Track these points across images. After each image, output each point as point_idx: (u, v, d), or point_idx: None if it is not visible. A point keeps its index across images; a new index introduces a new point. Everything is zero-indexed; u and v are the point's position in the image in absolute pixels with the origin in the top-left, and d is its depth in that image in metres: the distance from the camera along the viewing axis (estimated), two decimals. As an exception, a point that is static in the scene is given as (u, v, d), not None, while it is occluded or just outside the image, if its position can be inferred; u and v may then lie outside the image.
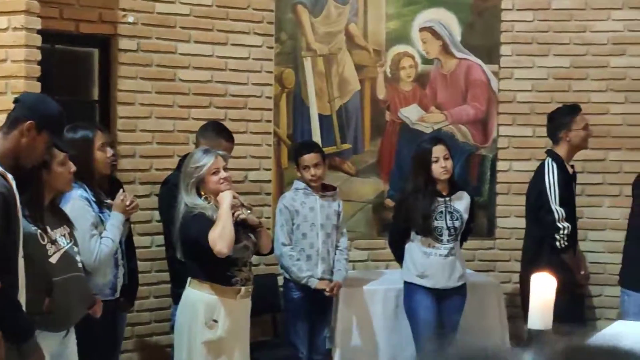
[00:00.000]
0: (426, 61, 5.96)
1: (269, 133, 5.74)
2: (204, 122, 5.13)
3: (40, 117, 3.04)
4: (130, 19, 5.19)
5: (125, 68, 5.22)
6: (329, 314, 5.20)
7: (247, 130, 5.60)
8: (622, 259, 5.07)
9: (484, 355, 0.77)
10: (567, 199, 5.02)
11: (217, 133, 4.85)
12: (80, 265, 3.39)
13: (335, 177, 5.83)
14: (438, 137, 5.25)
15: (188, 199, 4.11)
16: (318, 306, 5.08)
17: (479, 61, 5.97)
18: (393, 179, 5.91)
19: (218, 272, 4.11)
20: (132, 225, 4.61)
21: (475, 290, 5.26)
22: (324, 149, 5.49)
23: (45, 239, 3.17)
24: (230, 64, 5.57)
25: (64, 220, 3.43)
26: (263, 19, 5.66)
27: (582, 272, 5.09)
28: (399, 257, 5.13)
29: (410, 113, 5.95)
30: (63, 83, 5.01)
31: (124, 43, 5.21)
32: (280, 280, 5.45)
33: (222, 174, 4.16)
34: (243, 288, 4.16)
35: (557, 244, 4.92)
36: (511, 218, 5.99)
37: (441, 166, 4.88)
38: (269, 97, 5.71)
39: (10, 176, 2.82)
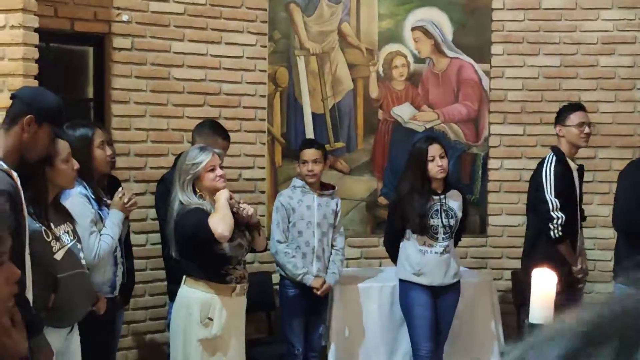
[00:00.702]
0: (418, 60, 6.00)
1: (263, 131, 5.76)
2: (198, 121, 5.14)
3: (38, 110, 3.01)
4: (125, 17, 5.20)
5: (119, 66, 5.23)
6: (324, 311, 5.23)
7: (241, 129, 5.62)
8: (613, 254, 5.13)
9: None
10: (566, 192, 5.06)
11: (214, 131, 4.87)
12: (83, 262, 3.40)
13: (329, 176, 5.84)
14: (433, 137, 5.29)
15: (183, 197, 4.11)
16: (313, 303, 5.10)
17: (470, 60, 6.02)
18: (386, 177, 5.95)
19: (213, 270, 4.12)
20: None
21: (468, 287, 5.31)
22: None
23: (50, 236, 3.18)
24: (224, 63, 5.59)
25: (66, 217, 3.43)
26: (257, 18, 5.68)
27: (579, 267, 5.11)
28: (394, 256, 5.16)
29: (403, 112, 5.99)
30: (58, 81, 5.00)
31: (118, 41, 5.22)
32: (275, 278, 5.48)
33: (218, 171, 4.17)
34: (238, 286, 4.17)
35: (551, 233, 4.98)
36: (502, 216, 6.04)
37: (437, 165, 4.91)
38: (263, 96, 5.74)
39: (14, 174, 2.82)
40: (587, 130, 5.11)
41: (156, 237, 5.25)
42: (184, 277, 4.19)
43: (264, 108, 5.75)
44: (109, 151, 4.31)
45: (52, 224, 3.23)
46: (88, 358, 3.58)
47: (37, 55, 4.35)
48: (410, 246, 5.02)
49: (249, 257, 4.76)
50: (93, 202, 4.09)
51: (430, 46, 6.00)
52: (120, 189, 4.32)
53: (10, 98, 3.23)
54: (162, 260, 5.16)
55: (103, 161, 4.25)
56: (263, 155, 5.78)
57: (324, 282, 5.07)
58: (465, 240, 5.54)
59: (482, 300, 5.46)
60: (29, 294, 2.80)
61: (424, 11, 5.98)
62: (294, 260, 5.04)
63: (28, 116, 2.97)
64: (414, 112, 6.00)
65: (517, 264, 5.45)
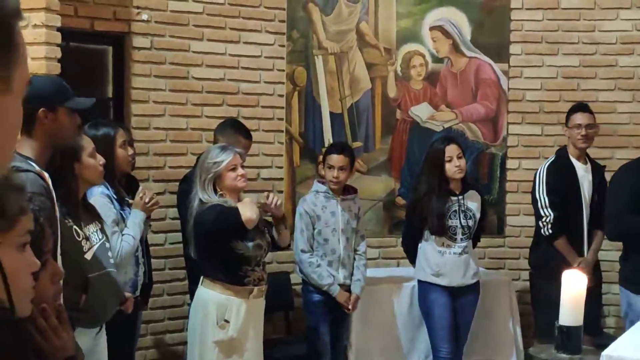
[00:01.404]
0: (436, 60, 5.98)
1: (281, 131, 5.75)
2: (217, 120, 5.14)
3: (43, 99, 2.92)
4: (144, 16, 5.19)
5: (139, 66, 5.23)
6: (347, 320, 5.13)
7: (259, 128, 5.61)
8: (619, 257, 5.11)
9: None
10: (562, 191, 5.04)
11: (236, 130, 4.86)
12: (112, 261, 3.40)
13: (346, 175, 5.86)
14: (450, 137, 5.27)
15: (204, 195, 4.09)
16: (338, 309, 4.98)
17: (488, 60, 6.00)
18: (404, 177, 5.94)
19: (230, 271, 4.09)
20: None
21: (487, 287, 5.29)
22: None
23: (80, 235, 3.17)
24: (242, 62, 5.58)
25: (95, 216, 3.42)
26: (275, 17, 5.67)
27: (577, 265, 5.09)
28: (412, 257, 5.15)
29: (421, 111, 5.97)
30: (77, 81, 4.99)
31: (137, 41, 5.21)
32: (293, 278, 5.47)
33: (240, 170, 4.15)
34: (256, 288, 4.13)
35: (542, 231, 5.01)
36: (520, 216, 6.02)
37: (455, 165, 4.90)
38: (281, 95, 5.73)
39: (46, 175, 2.82)
40: (583, 132, 5.09)
41: (175, 236, 5.25)
42: (202, 278, 4.18)
43: (282, 107, 5.74)
44: (130, 151, 4.31)
45: (82, 223, 3.22)
46: (110, 358, 3.58)
47: (59, 55, 4.35)
48: (428, 247, 5.01)
49: (267, 256, 4.75)
50: (115, 202, 4.08)
51: (448, 46, 5.98)
52: (140, 188, 4.32)
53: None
54: (181, 259, 5.16)
55: (125, 161, 4.24)
56: (281, 155, 5.77)
57: (349, 297, 4.95)
58: (483, 241, 5.53)
59: (500, 301, 5.45)
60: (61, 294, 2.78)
61: (442, 11, 5.96)
62: (319, 270, 4.89)
63: (39, 110, 2.92)
64: (432, 111, 5.98)
65: (535, 265, 5.44)
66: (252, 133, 5.25)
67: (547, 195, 5.04)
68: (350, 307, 4.93)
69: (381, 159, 5.97)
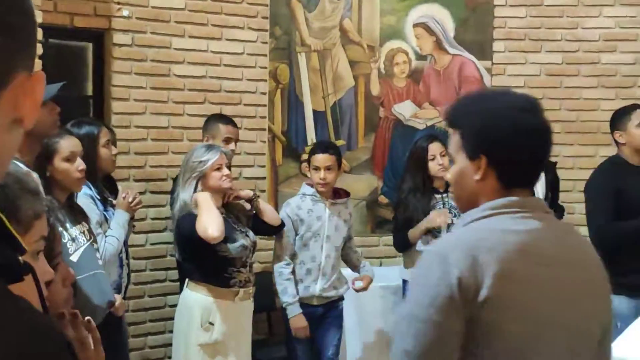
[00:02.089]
0: (420, 57, 5.94)
1: (264, 129, 5.67)
2: (199, 118, 5.10)
3: None
4: (125, 12, 5.09)
5: (119, 63, 5.13)
6: (338, 327, 4.81)
7: (241, 127, 5.50)
8: None
9: None
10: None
11: (216, 119, 4.85)
12: (100, 262, 3.31)
13: (330, 174, 5.80)
14: (433, 135, 5.22)
15: (186, 195, 4.02)
16: (322, 323, 4.68)
17: (472, 57, 5.97)
18: (387, 175, 5.89)
19: (215, 273, 4.02)
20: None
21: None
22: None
23: (66, 237, 3.08)
24: (224, 59, 5.50)
25: (82, 217, 3.34)
26: (257, 14, 5.59)
27: None
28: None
29: (404, 109, 5.93)
30: (57, 78, 4.87)
31: (118, 37, 5.11)
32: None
33: (225, 170, 4.08)
34: (242, 290, 4.07)
35: None
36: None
37: (438, 163, 4.86)
38: (264, 93, 5.65)
39: (35, 174, 2.73)
40: None
41: (156, 236, 5.18)
42: (187, 280, 4.11)
43: (264, 105, 5.66)
44: (114, 150, 4.22)
45: (67, 225, 3.13)
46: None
47: (41, 51, 4.24)
48: (414, 246, 4.96)
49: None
50: (98, 202, 3.99)
51: (431, 43, 5.94)
52: (120, 188, 4.23)
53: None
54: (162, 260, 5.10)
55: (108, 160, 4.16)
56: (263, 154, 5.69)
57: (307, 327, 4.53)
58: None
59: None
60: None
61: (425, 7, 5.92)
62: (286, 283, 4.55)
63: None
64: (416, 109, 5.94)
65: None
66: (235, 131, 5.19)
67: None
68: (359, 288, 4.72)
69: (364, 157, 5.91)
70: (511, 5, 5.98)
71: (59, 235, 1.67)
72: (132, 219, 4.20)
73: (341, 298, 4.77)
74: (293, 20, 5.71)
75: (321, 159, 4.55)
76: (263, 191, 5.67)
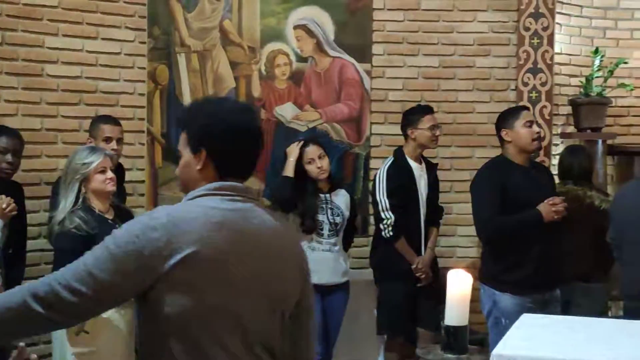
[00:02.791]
0: (301, 59, 5.93)
1: (142, 131, 5.53)
2: (74, 120, 4.99)
3: None
4: (-6, 9, 4.85)
5: (-12, 62, 4.88)
6: None
7: (119, 129, 5.37)
8: (481, 254, 5.21)
9: None
10: (401, 193, 5.11)
11: (99, 119, 4.79)
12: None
13: (211, 177, 5.71)
14: (310, 138, 5.23)
15: (68, 198, 3.88)
16: None
17: (352, 60, 6.00)
18: (269, 177, 5.83)
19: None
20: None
21: (352, 287, 5.28)
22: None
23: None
24: (101, 59, 5.34)
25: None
26: (135, 13, 5.45)
27: (416, 266, 5.18)
28: None
29: (285, 111, 5.91)
30: None
31: (-13, 35, 4.87)
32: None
33: (109, 174, 3.97)
34: None
35: (382, 233, 5.08)
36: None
37: (317, 167, 4.91)
38: (142, 94, 5.51)
39: None
40: (437, 132, 5.19)
41: (30, 244, 4.94)
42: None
43: (143, 107, 5.52)
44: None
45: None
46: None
47: None
48: None
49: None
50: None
51: (312, 45, 5.94)
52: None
53: None
54: (36, 268, 4.87)
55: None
56: (142, 157, 5.55)
57: None
58: (347, 241, 5.52)
59: (366, 301, 5.44)
60: None
61: (305, 10, 5.91)
62: None
63: None
64: (297, 111, 5.92)
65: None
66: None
67: (388, 198, 5.08)
68: None
69: (246, 159, 5.83)
70: (389, 9, 6.06)
71: None
72: (5, 226, 4.01)
73: None
74: (172, 20, 5.60)
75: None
76: (142, 195, 5.52)
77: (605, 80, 6.30)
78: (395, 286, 5.16)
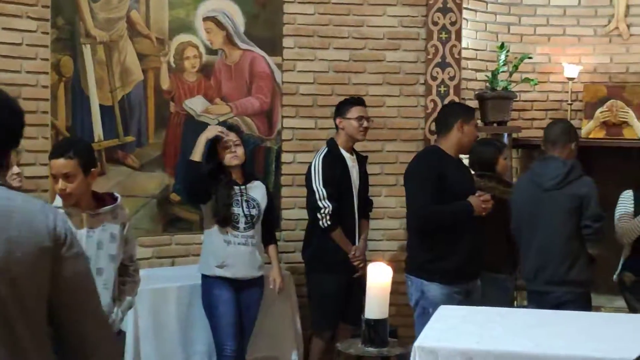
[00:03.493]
0: (211, 52, 5.83)
1: (46, 125, 5.31)
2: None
3: None
4: None
5: None
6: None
7: (21, 122, 5.15)
8: (406, 245, 5.26)
9: None
10: (337, 182, 5.13)
11: None
12: None
13: (118, 172, 5.55)
14: (227, 126, 5.16)
15: None
16: None
17: (262, 53, 5.94)
18: (179, 172, 5.71)
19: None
20: None
21: (266, 282, 5.24)
22: (105, 142, 5.29)
23: None
24: (1, 50, 5.10)
25: None
26: (37, 2, 5.22)
27: (354, 253, 5.22)
28: None
29: (195, 104, 5.80)
30: None
31: None
32: None
33: (15, 169, 3.80)
34: None
35: (320, 223, 5.09)
36: (295, 209, 6.03)
37: (230, 151, 4.87)
38: (45, 87, 5.29)
39: None
40: (365, 124, 5.24)
41: None
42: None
43: (46, 100, 5.31)
44: None
45: None
46: None
47: None
48: (214, 238, 4.91)
49: None
50: None
51: (222, 37, 5.84)
52: None
53: None
54: None
55: None
56: (46, 151, 5.30)
57: None
58: (259, 236, 5.47)
59: (282, 296, 5.40)
60: None
61: (215, 1, 5.82)
62: None
63: None
64: (207, 104, 5.82)
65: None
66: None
67: (324, 186, 5.09)
68: None
69: (155, 154, 5.71)
70: (300, 2, 6.02)
71: None
72: None
73: None
74: (76, 10, 5.40)
75: (57, 165, 3.63)
76: (46, 191, 5.32)
77: (510, 75, 6.42)
78: (329, 278, 5.16)
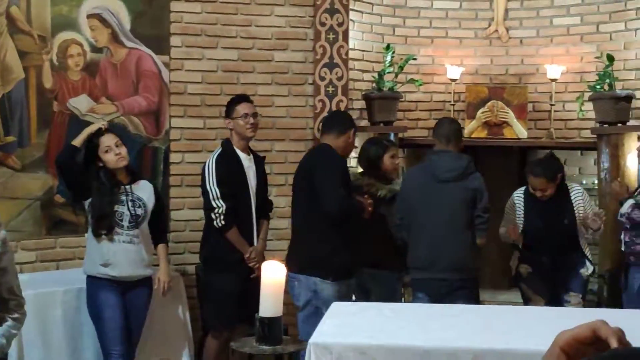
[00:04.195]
0: (95, 50, 5.69)
1: None
2: None
3: None
4: None
5: None
6: None
7: None
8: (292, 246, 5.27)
9: None
10: (231, 182, 5.12)
11: None
12: None
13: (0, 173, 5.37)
14: (105, 129, 5.05)
15: None
16: None
17: (149, 51, 5.84)
18: (63, 173, 5.56)
19: None
20: None
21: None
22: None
23: None
24: None
25: None
26: None
27: (249, 255, 5.21)
28: None
29: (80, 104, 5.65)
30: None
31: None
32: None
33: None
34: None
35: (214, 223, 5.07)
36: (184, 210, 5.97)
37: (115, 154, 4.77)
38: None
39: None
40: (252, 120, 5.22)
41: None
42: None
43: None
44: None
45: None
46: None
47: None
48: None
49: None
50: None
51: (107, 35, 5.72)
52: None
53: None
54: None
55: None
56: None
57: None
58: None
59: (172, 297, 5.33)
60: None
61: (99, -2, 5.69)
62: None
63: None
64: (92, 104, 5.68)
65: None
66: None
67: (218, 186, 5.05)
68: None
69: (37, 154, 5.53)
70: (187, 1, 5.96)
71: None
72: None
73: None
74: (-48, 5, 5.18)
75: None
76: None
77: (396, 76, 6.55)
78: (225, 278, 5.11)
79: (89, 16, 5.66)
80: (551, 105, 6.71)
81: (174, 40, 5.95)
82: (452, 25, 7.07)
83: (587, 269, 5.38)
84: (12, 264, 3.42)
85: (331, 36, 6.23)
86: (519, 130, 6.74)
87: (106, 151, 4.78)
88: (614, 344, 0.88)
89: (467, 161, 5.02)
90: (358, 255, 4.86)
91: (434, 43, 7.04)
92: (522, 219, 5.44)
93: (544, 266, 5.36)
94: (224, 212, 5.04)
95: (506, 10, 7.03)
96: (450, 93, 6.87)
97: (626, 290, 5.36)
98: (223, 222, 5.06)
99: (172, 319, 5.40)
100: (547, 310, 4.23)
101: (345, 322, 3.40)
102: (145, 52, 5.83)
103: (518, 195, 5.51)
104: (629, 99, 6.22)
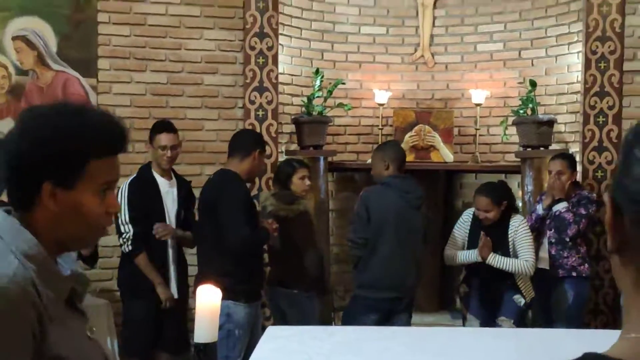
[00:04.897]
0: (21, 72, 5.59)
1: None
2: None
3: None
4: None
5: None
6: None
7: None
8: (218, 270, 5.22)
9: None
10: (145, 207, 5.04)
11: None
12: None
13: None
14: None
15: None
16: None
17: (76, 74, 5.77)
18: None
19: None
20: None
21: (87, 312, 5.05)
22: None
23: None
24: None
25: None
26: None
27: (159, 281, 5.10)
28: None
29: (5, 128, 5.50)
30: None
31: None
32: None
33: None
34: None
35: (122, 248, 5.01)
36: (113, 236, 5.82)
37: None
38: None
39: None
40: (168, 154, 5.07)
41: None
42: None
43: None
44: None
45: None
46: None
47: None
48: None
49: None
50: None
51: (33, 57, 5.63)
52: None
53: None
54: None
55: None
56: None
57: None
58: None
59: (100, 324, 5.22)
60: None
61: (25, 20, 5.60)
62: None
63: None
64: (18, 127, 5.56)
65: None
66: None
67: (128, 211, 4.97)
68: None
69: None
70: (115, 23, 5.90)
71: None
72: None
73: None
74: None
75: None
76: None
77: (325, 100, 6.60)
78: (138, 304, 5.01)
79: (14, 38, 5.56)
80: (476, 129, 6.85)
81: (102, 63, 5.88)
82: (379, 50, 7.17)
83: (520, 300, 5.41)
84: None
85: (261, 60, 6.25)
86: (446, 154, 6.86)
87: None
88: None
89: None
90: (264, 275, 4.99)
91: (362, 68, 7.13)
92: (466, 239, 5.50)
93: (480, 288, 5.45)
94: (131, 237, 4.94)
95: (432, 36, 7.17)
96: (378, 117, 6.95)
97: (558, 307, 5.48)
98: (130, 247, 4.96)
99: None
100: (480, 331, 4.29)
101: (282, 346, 3.39)
102: (72, 75, 5.75)
103: (467, 214, 5.58)
104: (551, 123, 6.39)
